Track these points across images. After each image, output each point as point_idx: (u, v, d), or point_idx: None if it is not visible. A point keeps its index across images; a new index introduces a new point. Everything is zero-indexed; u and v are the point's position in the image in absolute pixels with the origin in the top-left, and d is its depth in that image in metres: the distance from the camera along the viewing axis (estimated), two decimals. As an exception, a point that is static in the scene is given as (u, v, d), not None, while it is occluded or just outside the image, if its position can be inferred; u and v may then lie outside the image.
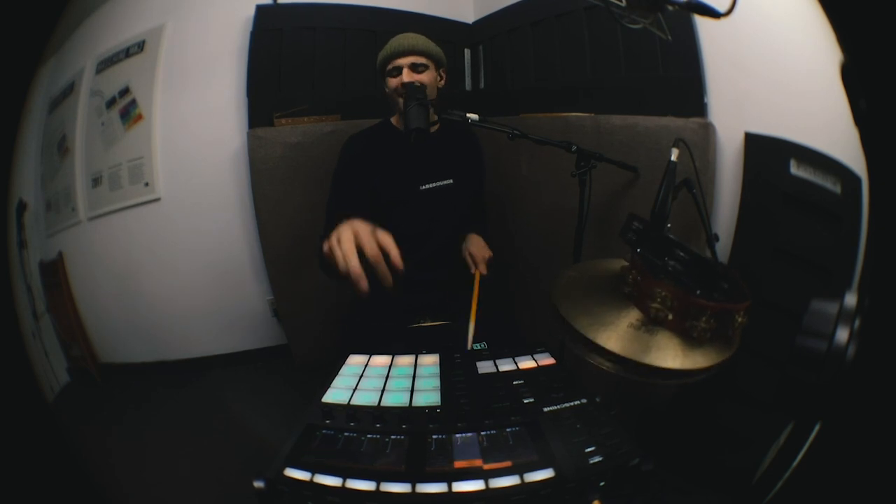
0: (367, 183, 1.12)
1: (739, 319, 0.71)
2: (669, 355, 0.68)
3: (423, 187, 1.15)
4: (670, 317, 0.71)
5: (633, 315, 0.74)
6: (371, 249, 0.71)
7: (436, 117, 1.06)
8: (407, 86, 1.07)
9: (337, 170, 1.14)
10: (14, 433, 0.91)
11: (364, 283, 0.69)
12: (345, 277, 0.71)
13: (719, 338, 0.71)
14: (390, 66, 1.09)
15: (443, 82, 1.15)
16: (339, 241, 0.72)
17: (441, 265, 1.18)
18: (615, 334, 0.71)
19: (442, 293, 1.16)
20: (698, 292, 0.72)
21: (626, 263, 0.78)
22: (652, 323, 0.72)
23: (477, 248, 1.19)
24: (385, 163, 1.14)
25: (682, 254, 0.75)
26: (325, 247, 0.75)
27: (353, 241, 0.72)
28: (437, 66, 1.12)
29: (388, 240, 0.73)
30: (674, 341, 0.70)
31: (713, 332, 0.70)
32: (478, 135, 1.26)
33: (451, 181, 1.17)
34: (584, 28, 1.14)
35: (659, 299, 0.71)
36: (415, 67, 1.08)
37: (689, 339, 0.71)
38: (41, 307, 1.00)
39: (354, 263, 0.70)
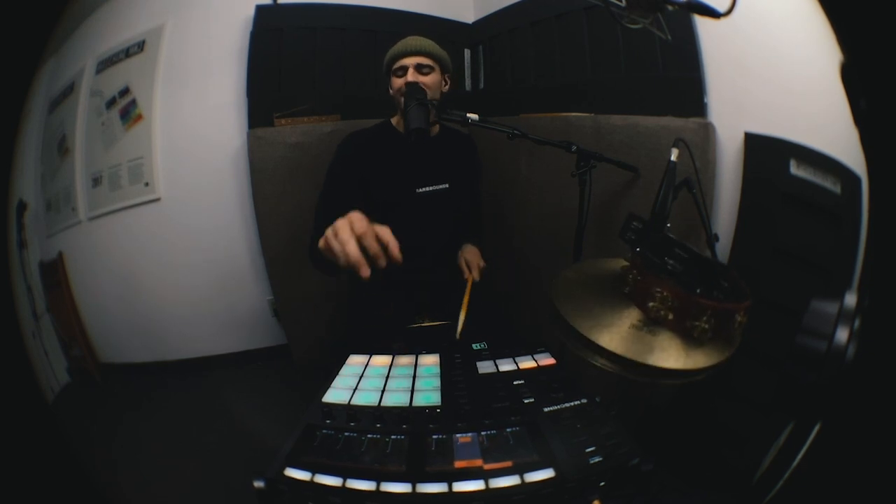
0: (361, 181, 1.12)
1: (739, 318, 0.71)
2: (672, 356, 0.68)
3: (420, 191, 1.15)
4: (670, 316, 0.71)
5: (634, 315, 0.74)
6: (370, 241, 0.69)
7: (435, 119, 1.06)
8: (408, 85, 1.07)
9: (332, 166, 1.14)
10: (14, 433, 0.91)
11: (366, 270, 0.67)
12: (344, 267, 0.69)
13: (720, 337, 0.71)
14: (396, 66, 1.09)
15: (447, 87, 1.14)
16: (335, 234, 0.70)
17: (438, 266, 1.19)
18: (617, 336, 0.70)
19: (439, 293, 1.16)
20: (698, 291, 0.72)
21: (626, 263, 0.78)
22: (652, 323, 0.72)
23: (472, 255, 1.22)
24: (382, 163, 1.14)
25: (681, 253, 0.75)
26: (322, 242, 0.72)
27: (350, 231, 0.69)
28: (443, 70, 1.12)
29: (386, 232, 0.71)
30: (675, 342, 0.70)
31: (713, 331, 0.70)
32: (476, 139, 1.25)
33: (446, 185, 1.17)
34: (584, 28, 1.13)
35: (659, 298, 0.71)
36: (420, 68, 1.08)
37: (690, 338, 0.70)
38: (41, 307, 1.00)
39: (352, 248, 0.67)
